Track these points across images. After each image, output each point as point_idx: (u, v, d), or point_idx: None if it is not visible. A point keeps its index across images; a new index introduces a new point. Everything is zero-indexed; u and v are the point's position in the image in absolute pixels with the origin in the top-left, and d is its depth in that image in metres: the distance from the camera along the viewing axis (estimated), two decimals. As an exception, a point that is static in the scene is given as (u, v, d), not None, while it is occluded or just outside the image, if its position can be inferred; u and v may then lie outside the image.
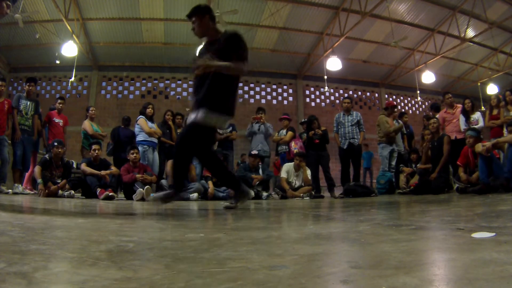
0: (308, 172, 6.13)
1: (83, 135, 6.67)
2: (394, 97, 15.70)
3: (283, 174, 6.15)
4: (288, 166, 6.23)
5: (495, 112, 6.17)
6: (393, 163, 6.81)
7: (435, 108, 7.88)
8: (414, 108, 15.97)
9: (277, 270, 0.77)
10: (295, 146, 6.64)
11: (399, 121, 7.46)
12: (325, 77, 12.67)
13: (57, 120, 6.37)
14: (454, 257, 0.88)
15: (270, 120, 7.87)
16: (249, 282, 0.69)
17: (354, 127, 6.43)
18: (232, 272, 0.77)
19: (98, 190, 4.93)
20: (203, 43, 3.12)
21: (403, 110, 14.63)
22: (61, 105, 6.51)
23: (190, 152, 2.95)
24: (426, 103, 16.06)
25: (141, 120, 6.27)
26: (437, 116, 6.94)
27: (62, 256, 0.96)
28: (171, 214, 2.81)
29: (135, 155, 5.38)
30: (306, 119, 6.87)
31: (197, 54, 3.11)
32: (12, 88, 12.70)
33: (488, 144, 4.78)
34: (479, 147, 4.83)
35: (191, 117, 2.86)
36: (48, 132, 6.38)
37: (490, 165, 4.65)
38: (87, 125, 6.60)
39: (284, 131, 7.02)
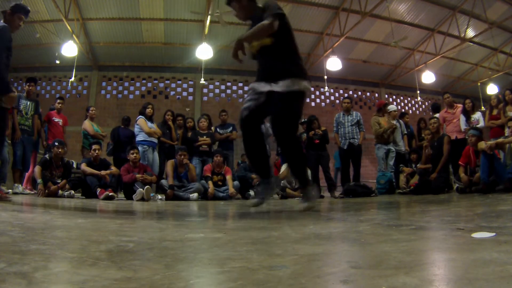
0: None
1: (83, 135, 6.68)
2: (394, 97, 15.70)
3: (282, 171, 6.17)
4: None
5: (495, 112, 6.17)
6: (391, 163, 6.81)
7: (435, 108, 7.88)
8: (414, 108, 15.96)
9: (277, 270, 0.77)
10: (295, 146, 6.63)
11: (400, 121, 7.45)
12: (325, 77, 12.66)
13: (56, 120, 6.37)
14: (454, 257, 0.88)
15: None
16: (249, 282, 0.69)
17: (354, 127, 6.42)
18: (232, 272, 0.77)
19: (98, 190, 4.93)
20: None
21: (403, 110, 14.62)
22: (60, 105, 6.51)
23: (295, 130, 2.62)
24: (426, 103, 16.05)
25: (141, 120, 6.27)
26: (437, 115, 6.94)
27: (62, 256, 0.96)
28: (171, 214, 2.81)
29: (135, 155, 5.38)
30: (306, 119, 6.87)
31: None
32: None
33: (492, 142, 4.79)
34: (482, 144, 4.83)
35: (278, 88, 2.51)
36: (48, 132, 6.37)
37: (492, 164, 4.65)
38: (87, 125, 6.60)
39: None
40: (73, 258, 0.91)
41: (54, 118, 6.36)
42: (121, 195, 5.61)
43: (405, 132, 7.48)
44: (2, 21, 3.32)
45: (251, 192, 5.92)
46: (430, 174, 5.84)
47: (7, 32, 3.24)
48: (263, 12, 2.61)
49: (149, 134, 6.18)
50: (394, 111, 7.38)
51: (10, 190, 5.35)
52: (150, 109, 6.42)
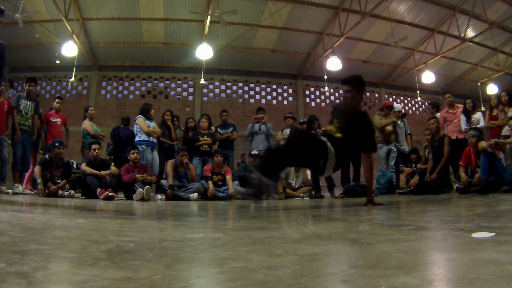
0: (308, 172, 6.12)
1: (83, 135, 6.67)
2: (394, 97, 15.69)
3: (282, 174, 6.15)
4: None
5: (495, 112, 6.17)
6: (392, 163, 6.80)
7: (435, 106, 7.84)
8: (414, 108, 15.96)
9: (277, 270, 0.77)
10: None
11: (404, 120, 7.44)
12: (325, 77, 12.66)
13: (54, 120, 6.36)
14: (454, 257, 0.88)
15: (269, 120, 7.87)
16: (249, 282, 0.69)
17: (354, 127, 6.41)
18: (232, 272, 0.77)
19: (98, 190, 4.93)
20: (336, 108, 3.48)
21: (403, 111, 14.61)
22: (58, 104, 6.49)
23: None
24: (426, 103, 16.05)
25: (140, 119, 6.25)
26: (437, 115, 6.94)
27: (62, 256, 0.96)
28: (171, 214, 2.81)
29: (135, 155, 5.37)
30: (306, 119, 6.86)
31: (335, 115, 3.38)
32: (12, 87, 12.70)
33: (492, 140, 4.79)
34: (483, 143, 4.82)
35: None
36: (46, 132, 6.35)
37: (493, 164, 4.63)
38: (87, 125, 6.59)
39: (288, 130, 7.01)
40: (73, 258, 0.91)
41: (52, 118, 6.35)
42: (121, 195, 5.61)
43: (409, 132, 7.45)
44: None
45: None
46: (430, 174, 5.82)
47: None
48: (369, 125, 3.24)
49: (148, 133, 6.15)
50: (399, 111, 7.39)
51: (10, 190, 5.35)
52: (153, 110, 6.43)
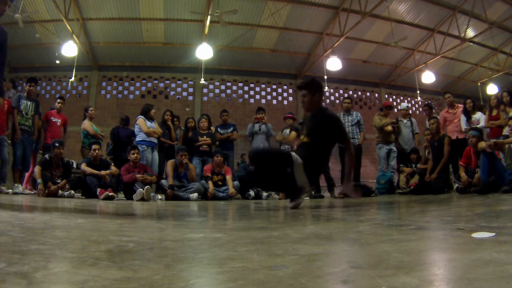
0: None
1: (83, 135, 6.67)
2: (394, 97, 15.69)
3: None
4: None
5: (494, 112, 6.16)
6: (392, 163, 6.79)
7: (430, 107, 7.81)
8: (414, 108, 15.96)
9: (277, 270, 0.77)
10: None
11: (412, 119, 7.41)
12: (325, 77, 12.66)
13: (54, 120, 6.35)
14: (454, 257, 0.88)
15: (270, 120, 7.87)
16: (249, 282, 0.69)
17: (354, 127, 6.42)
18: (232, 272, 0.77)
19: (98, 190, 4.93)
20: (306, 117, 3.49)
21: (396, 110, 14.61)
22: (60, 104, 6.49)
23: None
24: (426, 103, 16.06)
25: (140, 120, 6.24)
26: (436, 115, 6.94)
27: (62, 256, 0.96)
28: (171, 214, 2.81)
29: (135, 155, 5.37)
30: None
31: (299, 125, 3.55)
32: (14, 88, 12.70)
33: (491, 141, 4.79)
34: (482, 144, 4.82)
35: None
36: (46, 132, 6.34)
37: (492, 164, 4.64)
38: (87, 125, 6.59)
39: (288, 130, 7.01)
40: (73, 258, 0.91)
41: (52, 118, 6.34)
42: (121, 195, 5.61)
43: (417, 131, 7.40)
44: None
45: (251, 192, 5.92)
46: (430, 174, 5.82)
47: None
48: (330, 118, 3.16)
49: (148, 134, 6.15)
50: (405, 110, 7.37)
51: (10, 190, 5.35)
52: (154, 111, 6.42)
